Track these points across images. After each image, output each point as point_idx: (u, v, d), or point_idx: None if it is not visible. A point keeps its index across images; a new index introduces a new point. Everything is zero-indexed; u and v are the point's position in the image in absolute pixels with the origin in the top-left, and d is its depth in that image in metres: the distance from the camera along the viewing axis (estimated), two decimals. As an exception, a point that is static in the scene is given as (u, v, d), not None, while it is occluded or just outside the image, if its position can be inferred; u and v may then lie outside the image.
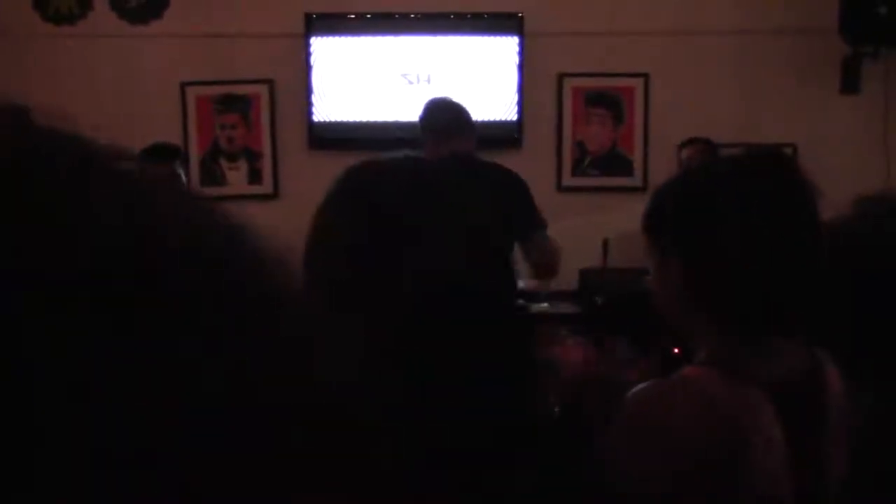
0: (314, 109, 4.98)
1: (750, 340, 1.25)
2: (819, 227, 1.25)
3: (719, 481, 1.16)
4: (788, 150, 5.01)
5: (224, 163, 5.16)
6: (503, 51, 5.02)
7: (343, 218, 0.99)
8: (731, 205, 1.22)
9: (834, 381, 1.31)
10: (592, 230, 4.83)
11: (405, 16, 5.02)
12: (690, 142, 4.60)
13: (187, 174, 4.13)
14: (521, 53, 4.99)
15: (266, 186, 5.14)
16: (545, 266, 3.77)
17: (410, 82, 5.02)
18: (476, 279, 0.96)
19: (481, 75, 5.02)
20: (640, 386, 1.24)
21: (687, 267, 1.26)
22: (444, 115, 3.65)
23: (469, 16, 5.03)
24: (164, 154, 3.96)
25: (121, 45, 5.08)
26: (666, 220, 1.31)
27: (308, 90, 4.99)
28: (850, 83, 4.89)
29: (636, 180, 5.18)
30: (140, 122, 4.72)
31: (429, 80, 5.02)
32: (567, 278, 4.73)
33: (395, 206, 0.96)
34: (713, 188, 1.27)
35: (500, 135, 5.05)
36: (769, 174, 1.26)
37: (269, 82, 5.12)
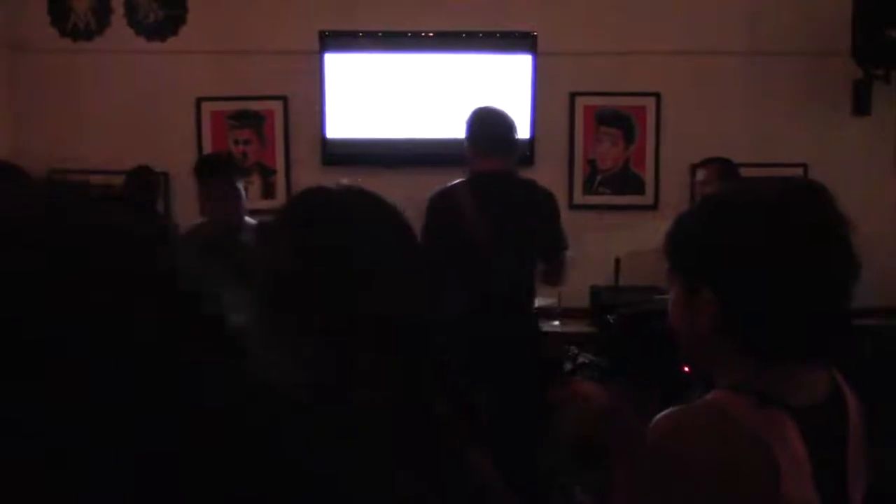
0: (327, 126, 5.02)
1: (778, 368, 1.24)
2: (852, 257, 1.23)
3: (752, 501, 1.16)
4: (800, 170, 5.02)
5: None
6: (516, 69, 5.05)
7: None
8: (767, 238, 1.20)
9: (851, 400, 1.31)
10: (604, 248, 4.84)
11: (418, 34, 5.06)
12: (707, 162, 4.56)
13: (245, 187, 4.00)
14: (535, 72, 5.02)
15: (279, 201, 5.17)
16: (556, 284, 3.80)
17: (424, 100, 5.05)
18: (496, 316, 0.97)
19: (494, 93, 5.04)
20: (667, 412, 1.23)
21: (717, 299, 1.23)
22: (490, 130, 3.59)
23: (482, 34, 5.06)
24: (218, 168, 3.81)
25: (137, 61, 5.13)
26: (695, 251, 1.29)
27: (322, 107, 5.02)
28: (861, 105, 4.90)
29: (648, 199, 5.19)
30: (156, 136, 4.77)
31: (443, 97, 5.05)
32: (578, 296, 4.74)
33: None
34: (746, 219, 1.24)
35: (512, 152, 5.07)
36: (803, 205, 1.24)
37: (283, 99, 5.16)
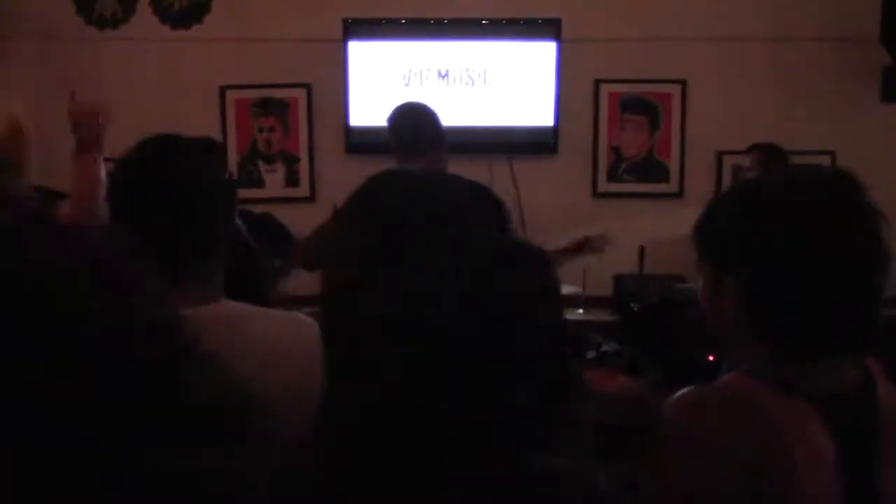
0: (351, 114, 5.02)
1: (802, 358, 1.23)
2: (881, 249, 1.22)
3: (761, 490, 1.15)
4: (827, 157, 4.97)
5: (262, 165, 5.22)
6: (540, 56, 5.02)
7: (357, 228, 1.00)
8: (795, 228, 1.20)
9: (887, 396, 1.29)
10: (628, 236, 4.81)
11: (441, 21, 5.04)
12: (753, 147, 4.49)
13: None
14: (559, 59, 4.99)
15: (303, 189, 5.19)
16: None
17: (447, 87, 5.04)
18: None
19: (518, 80, 5.03)
20: (682, 391, 1.23)
21: (745, 288, 1.23)
22: (415, 130, 3.36)
23: (506, 21, 5.04)
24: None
25: (162, 49, 5.15)
26: (723, 240, 1.28)
27: (345, 94, 5.02)
28: (889, 92, 4.83)
29: (672, 187, 5.16)
30: (180, 124, 4.73)
31: (466, 84, 5.04)
32: (602, 284, 4.73)
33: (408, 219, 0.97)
34: (775, 209, 1.23)
35: (536, 140, 5.07)
36: (831, 195, 1.23)
37: (307, 86, 5.17)
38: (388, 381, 0.91)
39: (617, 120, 5.18)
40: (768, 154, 4.37)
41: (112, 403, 0.45)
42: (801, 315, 1.20)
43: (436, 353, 0.91)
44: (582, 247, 3.90)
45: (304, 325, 1.56)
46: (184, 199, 1.59)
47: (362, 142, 4.96)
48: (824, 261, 1.18)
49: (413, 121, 3.34)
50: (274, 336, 1.56)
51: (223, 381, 0.65)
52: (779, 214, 1.21)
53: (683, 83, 5.12)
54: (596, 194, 5.20)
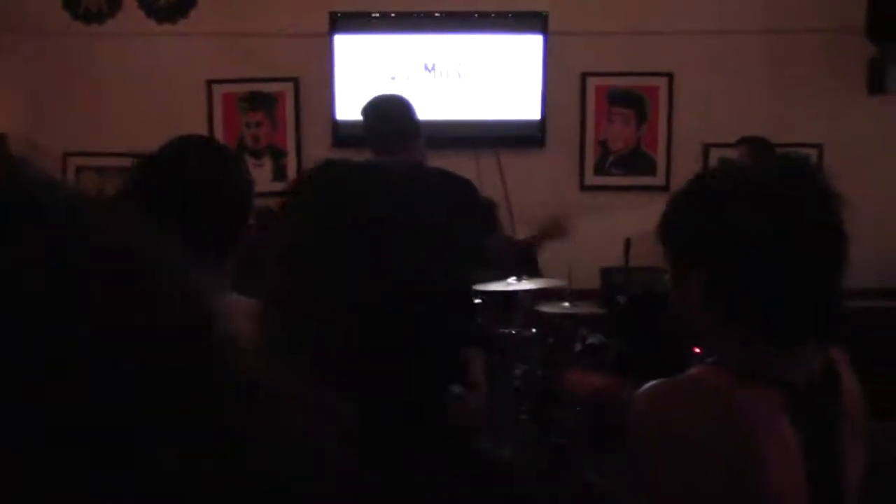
0: (338, 107, 5.01)
1: (767, 347, 1.24)
2: (843, 236, 1.23)
3: (728, 480, 1.16)
4: (814, 150, 4.99)
5: (249, 160, 5.20)
6: (527, 49, 5.02)
7: (305, 215, 1.00)
8: (752, 218, 1.20)
9: (849, 383, 1.30)
10: (615, 229, 4.82)
11: (429, 14, 5.04)
12: (742, 141, 4.49)
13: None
14: (545, 52, 4.99)
15: (290, 184, 5.18)
16: (500, 267, 3.63)
17: (434, 80, 5.03)
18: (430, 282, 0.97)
19: (505, 74, 5.03)
20: (649, 384, 1.24)
21: (710, 278, 1.24)
22: (388, 122, 3.26)
23: (493, 14, 5.04)
24: None
25: (148, 44, 5.14)
26: (684, 234, 1.29)
27: (332, 88, 5.02)
28: (876, 84, 4.85)
29: (659, 179, 5.17)
30: (167, 119, 4.76)
31: (453, 78, 5.04)
32: (589, 277, 4.73)
33: (358, 207, 0.97)
34: (732, 200, 1.24)
35: (523, 134, 5.07)
36: (793, 184, 1.24)
37: (294, 80, 5.16)
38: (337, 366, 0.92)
39: (604, 113, 5.19)
40: (757, 147, 4.37)
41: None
42: (763, 304, 1.21)
43: (377, 339, 0.92)
44: (548, 232, 3.86)
45: None
46: (217, 195, 1.67)
47: (349, 135, 4.94)
48: (783, 249, 1.19)
49: (386, 113, 3.30)
50: None
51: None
52: (735, 205, 1.23)
53: (670, 76, 5.13)
54: (583, 187, 5.21)
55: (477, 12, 5.04)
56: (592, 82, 5.16)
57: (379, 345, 0.94)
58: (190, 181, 1.68)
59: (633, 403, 1.23)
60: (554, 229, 3.88)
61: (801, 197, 1.22)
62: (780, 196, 1.22)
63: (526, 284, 3.69)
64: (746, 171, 1.32)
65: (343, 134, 4.99)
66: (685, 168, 5.13)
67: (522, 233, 4.22)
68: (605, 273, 4.83)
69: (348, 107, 4.99)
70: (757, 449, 1.17)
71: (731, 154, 4.61)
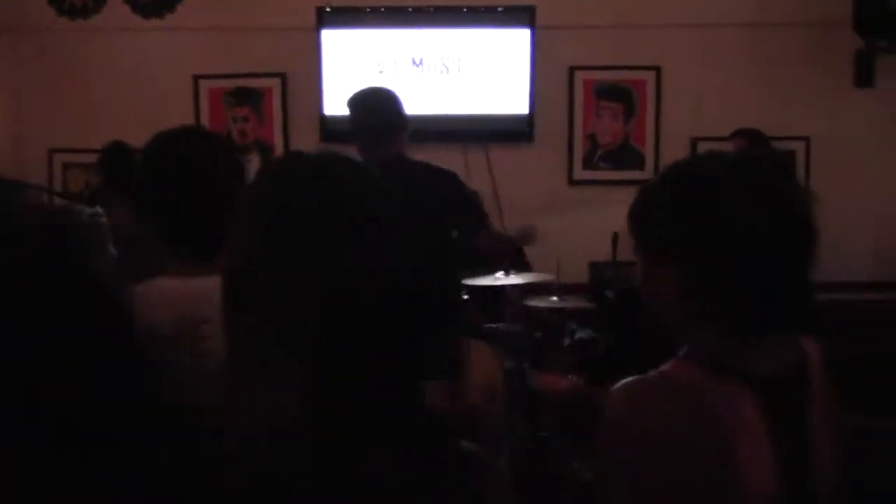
0: (326, 102, 4.99)
1: (738, 338, 1.24)
2: (811, 226, 1.23)
3: (704, 473, 1.16)
4: (802, 144, 5.00)
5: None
6: (515, 44, 5.01)
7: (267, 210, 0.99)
8: (724, 210, 1.20)
9: (819, 372, 1.30)
10: (603, 224, 4.81)
11: (417, 8, 5.02)
12: (737, 133, 4.48)
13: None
14: (533, 46, 4.98)
15: (278, 179, 5.16)
16: (497, 260, 3.61)
17: (422, 75, 5.02)
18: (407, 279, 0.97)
19: (493, 68, 5.02)
20: (622, 382, 1.24)
21: (680, 270, 1.23)
22: (376, 116, 3.24)
23: (481, 8, 5.03)
24: None
25: (134, 39, 5.11)
26: (655, 227, 1.28)
27: (319, 83, 5.00)
28: (863, 77, 4.86)
29: (648, 174, 5.16)
30: (153, 114, 4.74)
31: (441, 72, 5.02)
32: (577, 272, 4.73)
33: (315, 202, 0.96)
34: (703, 192, 1.24)
35: (511, 128, 5.06)
36: (759, 176, 1.24)
37: (282, 76, 5.14)
38: (299, 357, 0.92)
39: (592, 107, 5.18)
40: (753, 140, 4.36)
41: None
42: (735, 296, 1.20)
43: (339, 333, 0.91)
44: (515, 243, 3.84)
45: None
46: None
47: (337, 130, 4.93)
48: (754, 241, 1.19)
49: (373, 105, 3.29)
50: None
51: None
52: (706, 198, 1.22)
53: (658, 70, 5.13)
54: (571, 181, 5.21)
55: (465, 6, 5.03)
56: (580, 76, 5.15)
57: (360, 340, 0.93)
58: (182, 170, 1.68)
59: (607, 402, 1.23)
60: (524, 239, 3.86)
61: (770, 190, 1.22)
62: (754, 189, 1.22)
63: (514, 279, 3.69)
64: (717, 164, 1.31)
65: (331, 129, 4.97)
66: (673, 162, 5.15)
67: (512, 228, 4.21)
68: (594, 267, 4.83)
69: (336, 102, 4.98)
70: (729, 443, 1.17)
71: (725, 147, 4.60)
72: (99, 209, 2.64)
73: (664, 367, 1.25)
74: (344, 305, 0.92)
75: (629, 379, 1.23)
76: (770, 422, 1.20)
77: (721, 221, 1.20)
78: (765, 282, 1.20)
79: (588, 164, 5.21)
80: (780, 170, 1.25)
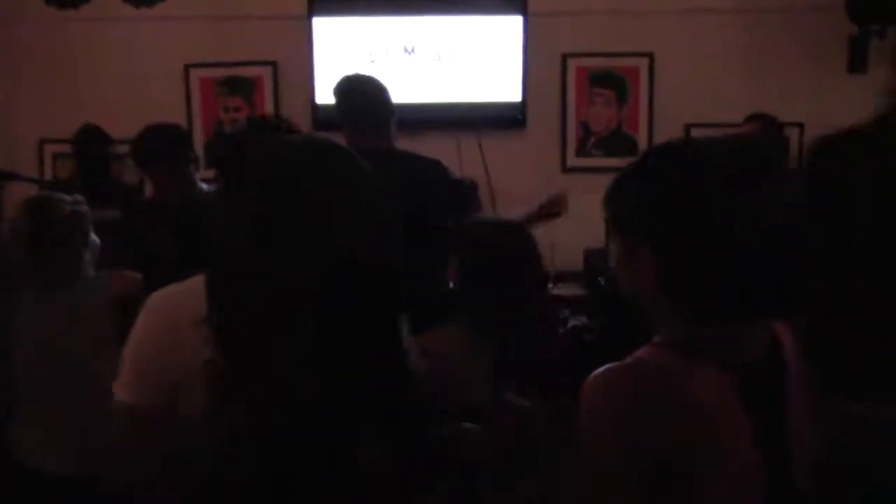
0: (317, 91, 4.97)
1: (714, 326, 1.22)
2: (793, 213, 1.22)
3: (683, 459, 1.15)
4: (795, 130, 4.98)
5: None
6: (507, 31, 4.99)
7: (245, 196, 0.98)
8: (703, 196, 1.18)
9: (793, 356, 1.30)
10: (597, 211, 4.79)
11: (408, -4, 5.00)
12: (750, 118, 4.43)
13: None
14: (526, 33, 4.96)
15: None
16: None
17: (414, 63, 5.00)
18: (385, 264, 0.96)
19: (486, 55, 5.00)
20: (600, 369, 1.23)
21: (656, 256, 1.22)
22: (363, 104, 3.21)
23: (474, -5, 5.00)
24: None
25: (125, 28, 5.07)
26: (631, 209, 1.27)
27: (311, 72, 4.97)
28: (857, 62, 4.84)
29: (641, 161, 5.15)
30: (144, 104, 4.71)
31: (433, 60, 5.00)
32: (572, 259, 4.73)
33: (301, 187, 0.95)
34: (682, 177, 1.22)
35: (504, 116, 5.04)
36: (739, 161, 1.23)
37: (273, 64, 5.11)
38: (287, 355, 0.91)
39: (585, 94, 5.17)
40: (766, 125, 4.32)
41: None
42: (713, 283, 1.19)
43: (323, 327, 0.91)
44: (549, 209, 3.82)
45: None
46: None
47: (329, 119, 4.89)
48: (733, 227, 1.17)
49: (361, 93, 3.27)
50: None
51: None
52: (685, 183, 1.20)
53: (651, 56, 5.11)
54: (565, 169, 5.20)
55: (456, -7, 5.00)
56: (573, 63, 5.13)
57: (350, 324, 0.93)
58: None
59: (585, 389, 1.22)
60: (557, 205, 3.83)
61: (748, 175, 1.21)
62: (730, 174, 1.20)
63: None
64: (696, 148, 1.30)
65: (323, 117, 4.94)
66: (667, 148, 5.14)
67: (505, 214, 4.20)
68: (588, 254, 4.83)
69: (328, 90, 4.91)
70: (709, 428, 1.16)
71: (724, 133, 4.58)
72: (79, 196, 2.63)
73: (639, 353, 1.24)
74: (332, 286, 0.91)
75: (606, 366, 1.23)
76: (749, 407, 1.19)
77: (691, 208, 1.19)
78: (739, 270, 1.19)
79: (581, 151, 5.20)
80: (759, 155, 1.24)
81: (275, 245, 0.92)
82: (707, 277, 1.19)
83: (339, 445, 0.91)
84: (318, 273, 0.91)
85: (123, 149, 3.97)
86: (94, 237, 2.62)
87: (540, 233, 3.98)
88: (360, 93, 3.23)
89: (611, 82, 5.15)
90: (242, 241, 0.94)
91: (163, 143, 3.26)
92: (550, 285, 4.50)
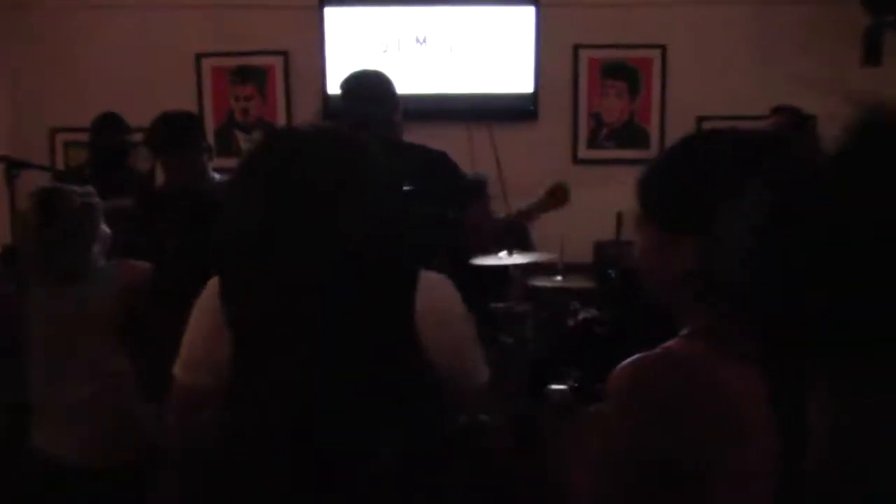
0: (328, 81, 4.96)
1: (747, 318, 1.21)
2: (829, 206, 1.20)
3: (713, 447, 1.14)
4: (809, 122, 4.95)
5: (239, 134, 5.17)
6: (519, 21, 4.97)
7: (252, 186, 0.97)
8: (753, 182, 1.15)
9: None
10: (608, 203, 4.79)
11: (420, -14, 4.98)
12: (778, 110, 4.33)
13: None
14: (538, 24, 4.94)
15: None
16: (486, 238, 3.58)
17: (426, 54, 4.98)
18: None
19: (497, 46, 4.98)
20: (630, 359, 1.20)
21: (699, 245, 1.19)
22: (365, 105, 3.19)
23: (485, -14, 4.98)
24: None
25: (136, 17, 5.07)
26: (676, 197, 1.23)
27: (322, 62, 4.96)
28: (871, 55, 4.80)
29: (653, 153, 5.12)
30: (155, 93, 4.71)
31: (445, 50, 4.99)
32: (582, 251, 4.72)
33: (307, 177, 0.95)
34: (733, 161, 1.19)
35: (516, 107, 5.03)
36: (779, 150, 1.21)
37: (284, 54, 5.11)
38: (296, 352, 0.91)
39: (597, 86, 5.15)
40: (791, 118, 4.21)
41: None
42: (763, 271, 1.17)
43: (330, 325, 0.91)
44: (551, 197, 3.81)
45: (437, 282, 1.57)
46: None
47: (341, 109, 4.90)
48: (784, 213, 1.15)
49: (355, 92, 3.29)
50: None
51: None
52: (738, 169, 1.18)
53: (663, 48, 5.09)
54: (576, 160, 5.18)
55: (468, -16, 4.98)
56: (585, 54, 5.11)
57: (359, 311, 0.92)
58: None
59: (613, 378, 1.20)
60: (560, 193, 3.81)
61: (790, 164, 1.19)
62: (784, 160, 1.18)
63: (518, 259, 3.67)
64: (745, 133, 1.26)
65: (334, 107, 4.92)
66: (679, 141, 5.11)
67: (517, 205, 4.19)
68: (599, 247, 4.82)
69: (339, 80, 4.93)
70: (735, 417, 1.15)
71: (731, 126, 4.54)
72: (90, 188, 2.62)
73: (667, 344, 1.23)
74: (339, 278, 0.91)
75: (636, 356, 1.21)
76: (772, 395, 1.18)
77: (738, 196, 1.16)
78: (782, 262, 1.17)
79: (593, 143, 5.18)
80: (803, 148, 1.21)
81: (281, 237, 0.91)
82: (759, 269, 1.17)
83: (349, 440, 0.90)
84: (324, 265, 0.91)
85: (138, 137, 3.98)
86: (104, 228, 2.61)
87: (549, 224, 4.01)
88: (365, 88, 3.25)
89: (623, 74, 5.13)
90: (248, 233, 0.94)
91: (175, 132, 3.26)
92: (559, 278, 4.50)
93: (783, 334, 1.21)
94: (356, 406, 0.92)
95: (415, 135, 3.34)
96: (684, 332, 1.24)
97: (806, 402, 1.21)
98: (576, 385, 3.08)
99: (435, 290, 1.55)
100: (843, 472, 1.25)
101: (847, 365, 1.27)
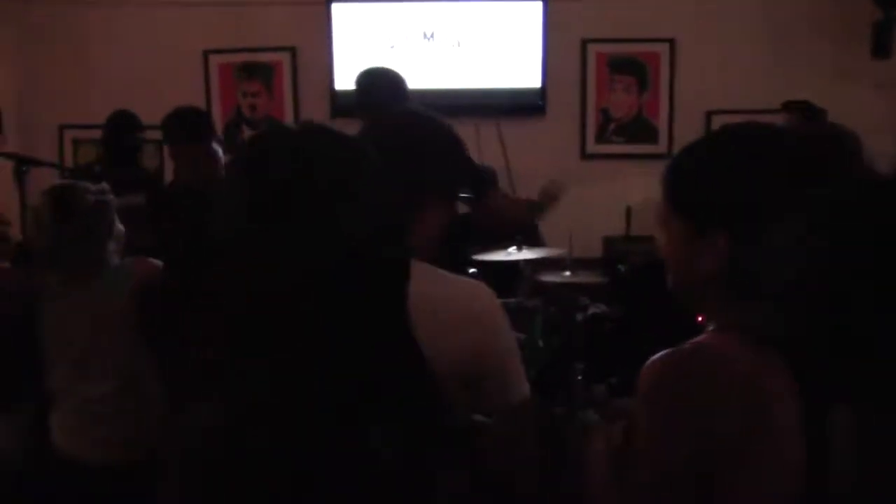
0: (336, 77, 4.96)
1: (777, 313, 1.20)
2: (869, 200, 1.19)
3: (743, 441, 1.13)
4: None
5: (247, 130, 5.17)
6: (527, 16, 4.96)
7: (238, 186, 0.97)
8: (792, 177, 1.15)
9: None
10: (616, 198, 4.79)
11: (427, -19, 4.97)
12: (790, 105, 4.25)
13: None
14: (546, 19, 4.93)
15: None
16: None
17: (433, 49, 4.98)
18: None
19: (505, 41, 4.97)
20: (658, 355, 1.20)
21: (733, 240, 1.18)
22: (377, 103, 3.21)
23: (492, -19, 4.97)
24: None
25: (144, 14, 5.08)
26: (707, 190, 1.22)
27: (330, 58, 4.96)
28: (880, 47, 4.78)
29: (661, 147, 5.12)
30: (163, 90, 4.72)
31: (452, 46, 4.98)
32: (590, 246, 4.71)
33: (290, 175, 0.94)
34: (768, 157, 1.18)
35: (524, 102, 5.02)
36: (829, 147, 1.20)
37: (292, 50, 5.10)
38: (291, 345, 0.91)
39: (605, 80, 5.13)
40: (804, 114, 4.15)
41: None
42: (798, 269, 1.15)
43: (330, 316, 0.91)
44: (547, 197, 3.79)
45: (482, 291, 1.57)
46: None
47: (348, 105, 4.88)
48: (818, 211, 1.14)
49: (367, 89, 3.31)
50: (456, 298, 1.54)
51: None
52: (775, 162, 1.17)
53: (671, 42, 5.07)
54: (584, 155, 5.17)
55: (475, -21, 4.97)
56: (593, 49, 5.10)
57: (356, 306, 0.92)
58: None
59: (643, 375, 1.19)
60: (552, 190, 3.79)
61: (836, 160, 1.18)
62: (818, 156, 1.17)
63: (527, 254, 3.66)
64: (781, 128, 1.25)
65: (342, 104, 4.93)
66: (687, 135, 5.04)
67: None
68: (608, 242, 4.81)
69: (347, 76, 4.93)
70: (765, 413, 1.14)
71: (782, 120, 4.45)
72: (104, 185, 2.61)
73: (700, 339, 1.22)
74: (337, 274, 0.91)
75: (668, 350, 1.20)
76: (801, 390, 1.17)
77: (774, 192, 1.14)
78: (818, 260, 1.16)
79: (601, 137, 5.17)
80: (846, 143, 1.20)
81: (278, 233, 0.91)
82: (791, 265, 1.15)
83: (349, 439, 0.90)
84: (322, 261, 0.91)
85: (149, 135, 3.99)
86: (118, 225, 2.60)
87: (558, 219, 4.00)
88: (377, 87, 3.27)
89: (631, 68, 5.12)
90: (246, 229, 0.93)
91: (192, 123, 3.29)
92: (568, 273, 4.49)
93: (817, 343, 1.20)
94: (356, 405, 0.92)
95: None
96: (712, 327, 1.23)
97: (832, 401, 1.20)
98: (613, 382, 3.07)
99: (478, 301, 1.55)
100: (865, 481, 1.24)
101: (873, 381, 1.26)
